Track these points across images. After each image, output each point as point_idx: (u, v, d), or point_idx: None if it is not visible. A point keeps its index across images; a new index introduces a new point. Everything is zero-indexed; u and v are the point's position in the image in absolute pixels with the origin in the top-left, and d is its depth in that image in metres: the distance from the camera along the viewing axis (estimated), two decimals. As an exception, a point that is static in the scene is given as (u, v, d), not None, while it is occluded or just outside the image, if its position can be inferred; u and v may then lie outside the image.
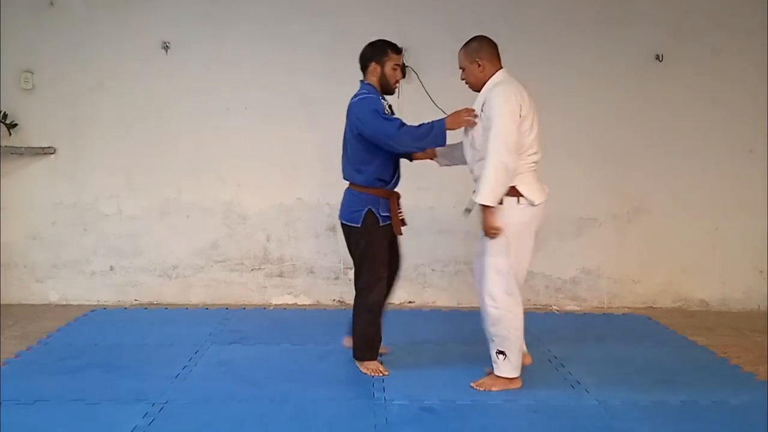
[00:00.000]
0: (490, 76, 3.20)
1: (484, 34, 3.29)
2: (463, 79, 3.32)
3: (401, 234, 3.50)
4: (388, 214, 3.40)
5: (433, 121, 3.26)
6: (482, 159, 3.10)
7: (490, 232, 3.10)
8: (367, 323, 3.44)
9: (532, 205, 3.14)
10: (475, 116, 3.18)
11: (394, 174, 3.45)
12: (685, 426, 2.91)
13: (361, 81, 3.45)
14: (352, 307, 3.51)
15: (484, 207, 3.08)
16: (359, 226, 3.37)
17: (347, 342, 3.68)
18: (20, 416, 2.88)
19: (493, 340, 3.22)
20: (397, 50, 3.40)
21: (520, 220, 3.14)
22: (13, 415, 2.89)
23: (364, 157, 3.36)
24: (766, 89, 4.72)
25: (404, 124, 3.25)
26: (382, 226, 3.39)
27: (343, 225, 3.49)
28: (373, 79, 3.40)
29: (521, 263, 3.21)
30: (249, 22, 4.67)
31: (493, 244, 3.13)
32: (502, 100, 3.08)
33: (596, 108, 4.76)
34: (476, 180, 3.20)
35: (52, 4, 4.61)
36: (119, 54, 4.66)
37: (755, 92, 4.75)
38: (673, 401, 3.14)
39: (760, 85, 4.74)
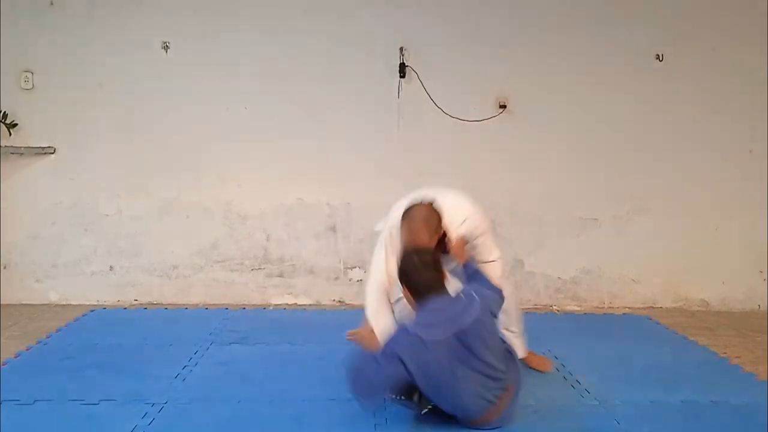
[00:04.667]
0: (443, 232, 3.03)
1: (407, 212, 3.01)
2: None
3: None
4: None
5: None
6: None
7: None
8: None
9: None
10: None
11: None
12: (685, 426, 2.91)
13: None
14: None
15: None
16: None
17: None
18: (20, 416, 2.88)
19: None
20: None
21: None
22: (13, 415, 2.88)
23: None
24: (766, 89, 4.72)
25: None
26: None
27: None
28: None
29: None
30: (249, 22, 4.67)
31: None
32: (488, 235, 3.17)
33: (596, 107, 4.76)
34: None
35: (52, 4, 4.61)
36: (119, 54, 4.65)
37: (755, 92, 4.74)
38: (673, 401, 3.14)
39: (760, 85, 4.73)
